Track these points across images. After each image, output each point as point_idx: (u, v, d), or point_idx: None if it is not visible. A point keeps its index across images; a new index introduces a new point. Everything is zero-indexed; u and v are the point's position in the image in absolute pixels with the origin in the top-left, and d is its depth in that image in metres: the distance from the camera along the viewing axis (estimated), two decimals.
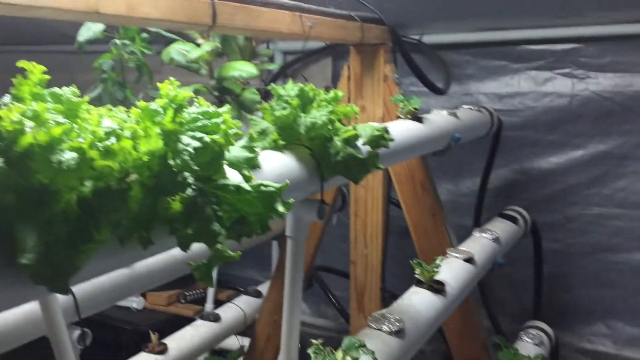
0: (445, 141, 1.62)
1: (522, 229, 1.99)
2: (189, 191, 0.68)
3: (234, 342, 2.54)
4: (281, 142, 0.98)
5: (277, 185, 0.76)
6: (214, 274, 0.74)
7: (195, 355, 1.84)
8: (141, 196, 0.65)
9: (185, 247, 0.70)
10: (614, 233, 2.34)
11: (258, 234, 0.78)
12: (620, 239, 2.33)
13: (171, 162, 0.67)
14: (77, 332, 1.29)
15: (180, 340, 1.82)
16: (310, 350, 0.95)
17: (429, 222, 1.78)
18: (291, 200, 0.78)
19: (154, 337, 1.76)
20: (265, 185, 0.75)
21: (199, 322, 1.92)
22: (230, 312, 2.03)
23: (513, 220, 1.94)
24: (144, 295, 2.61)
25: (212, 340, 1.90)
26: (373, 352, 0.99)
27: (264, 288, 2.18)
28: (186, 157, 0.67)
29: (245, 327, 2.06)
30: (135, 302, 2.56)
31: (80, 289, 1.33)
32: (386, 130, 1.10)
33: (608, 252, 2.35)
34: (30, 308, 1.22)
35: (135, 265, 1.44)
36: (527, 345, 1.81)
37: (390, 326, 1.19)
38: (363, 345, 0.99)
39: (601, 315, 2.39)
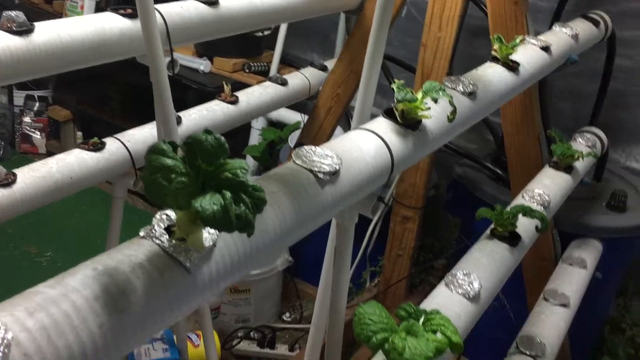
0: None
1: (602, 34, 1.95)
2: None
3: (293, 116, 2.68)
4: None
5: None
6: None
7: (262, 112, 1.95)
8: None
9: None
10: None
11: None
12: None
13: None
14: (167, 59, 1.38)
15: (249, 95, 1.91)
16: (394, 86, 1.01)
17: (510, 9, 1.75)
18: None
19: (226, 87, 1.85)
20: None
21: (267, 84, 2.01)
22: (297, 79, 2.10)
23: (595, 23, 1.89)
24: (211, 59, 2.70)
25: (278, 102, 2.00)
26: (451, 96, 1.05)
27: (330, 64, 2.23)
28: None
29: (309, 97, 2.15)
30: (202, 65, 2.66)
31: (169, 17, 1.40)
32: None
33: None
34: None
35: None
36: (579, 145, 1.87)
37: (465, 88, 1.24)
38: (443, 89, 1.04)
39: None
